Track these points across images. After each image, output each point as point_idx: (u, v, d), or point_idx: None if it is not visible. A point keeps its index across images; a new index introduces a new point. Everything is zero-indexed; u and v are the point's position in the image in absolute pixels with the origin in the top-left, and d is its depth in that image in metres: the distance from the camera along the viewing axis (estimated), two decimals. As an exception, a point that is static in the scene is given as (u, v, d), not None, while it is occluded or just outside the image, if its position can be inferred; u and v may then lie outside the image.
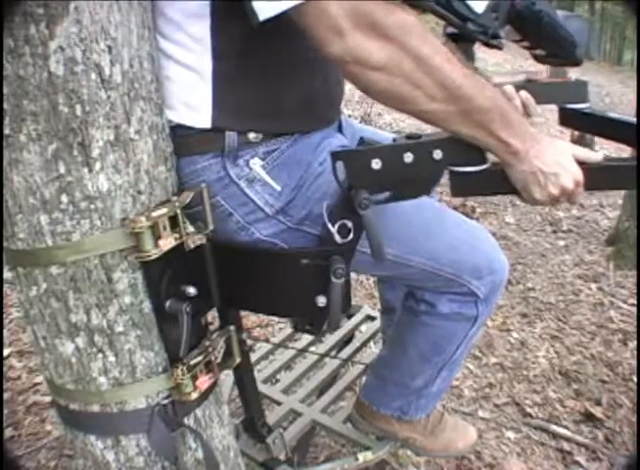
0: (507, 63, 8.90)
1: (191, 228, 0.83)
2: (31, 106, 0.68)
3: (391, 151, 0.82)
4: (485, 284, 1.05)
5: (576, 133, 3.88)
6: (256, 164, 0.87)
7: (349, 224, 0.85)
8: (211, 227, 0.87)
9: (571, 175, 0.82)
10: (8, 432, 1.69)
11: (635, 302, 2.52)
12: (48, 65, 0.67)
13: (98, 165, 0.73)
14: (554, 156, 0.81)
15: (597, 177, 0.85)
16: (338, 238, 0.85)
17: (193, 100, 0.84)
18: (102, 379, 0.81)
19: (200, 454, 0.91)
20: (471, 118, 0.77)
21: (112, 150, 0.73)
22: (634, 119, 0.89)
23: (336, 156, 0.82)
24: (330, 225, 0.85)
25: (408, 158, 0.81)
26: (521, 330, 2.35)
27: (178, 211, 0.80)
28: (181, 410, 0.86)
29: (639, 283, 2.65)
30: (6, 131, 0.70)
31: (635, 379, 2.02)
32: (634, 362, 2.11)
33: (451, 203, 3.41)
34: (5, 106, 0.69)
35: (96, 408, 0.83)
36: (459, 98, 0.75)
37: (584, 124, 1.01)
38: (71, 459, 1.55)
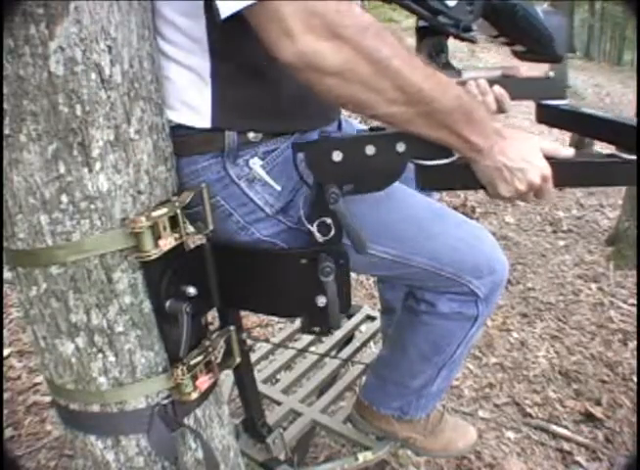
0: (505, 63, 8.91)
1: (191, 228, 0.83)
2: (31, 106, 0.68)
3: (353, 143, 0.82)
4: (486, 284, 1.05)
5: (575, 136, 3.87)
6: (256, 163, 0.87)
7: (328, 221, 0.84)
8: (211, 227, 0.87)
9: (538, 170, 0.80)
10: (8, 432, 1.69)
11: (635, 302, 2.52)
12: (48, 65, 0.67)
13: (98, 165, 0.73)
14: (520, 151, 0.80)
15: (568, 173, 0.83)
16: (319, 236, 0.85)
17: (192, 100, 0.84)
18: (102, 379, 0.81)
19: (200, 454, 0.91)
20: (432, 120, 0.75)
21: (112, 150, 0.73)
22: (611, 116, 0.87)
23: (297, 147, 0.82)
24: (309, 225, 0.85)
25: (370, 150, 0.80)
26: (521, 330, 2.35)
27: (178, 212, 0.80)
28: (181, 410, 0.86)
29: (639, 283, 2.65)
30: (6, 131, 0.70)
31: (635, 379, 2.02)
32: (634, 362, 2.11)
33: (451, 203, 3.42)
34: (5, 106, 0.69)
35: (96, 408, 0.83)
36: (419, 101, 0.73)
37: (561, 121, 0.99)
38: (71, 459, 1.55)
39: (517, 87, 0.97)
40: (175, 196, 0.83)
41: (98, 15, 0.68)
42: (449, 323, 1.10)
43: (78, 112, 0.70)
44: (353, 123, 1.16)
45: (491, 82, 0.94)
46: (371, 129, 0.84)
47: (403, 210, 0.98)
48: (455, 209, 3.08)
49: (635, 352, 2.17)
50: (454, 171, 0.85)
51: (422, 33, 0.94)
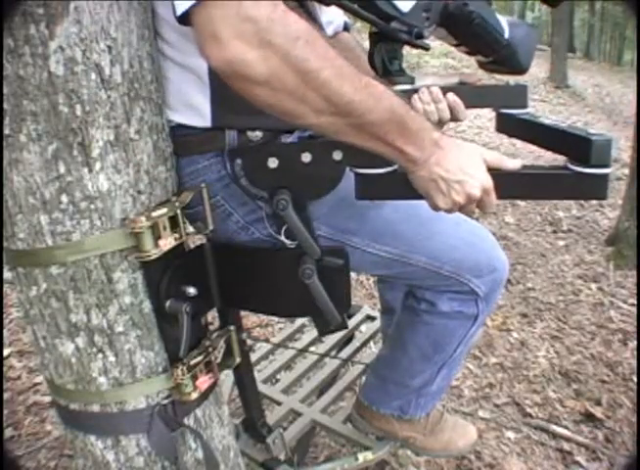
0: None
1: (191, 228, 0.83)
2: (31, 106, 0.68)
3: (289, 150, 0.81)
4: (486, 283, 1.06)
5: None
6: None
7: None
8: (211, 227, 0.87)
9: (477, 182, 0.78)
10: (8, 432, 1.69)
11: (635, 302, 2.53)
12: (48, 65, 0.67)
13: (98, 165, 0.73)
14: (459, 162, 0.77)
15: (514, 185, 0.81)
16: (287, 242, 0.85)
17: (192, 100, 0.84)
18: (102, 379, 0.81)
19: (200, 454, 0.91)
20: (364, 131, 0.73)
21: (112, 150, 0.73)
22: (566, 127, 0.83)
23: (233, 153, 0.81)
24: (274, 234, 0.86)
25: (306, 157, 0.80)
26: (521, 330, 2.35)
27: (178, 212, 0.80)
28: (181, 410, 0.86)
29: (639, 283, 2.65)
30: (6, 131, 0.70)
31: (635, 379, 2.02)
32: (634, 362, 2.11)
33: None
34: (5, 106, 0.69)
35: (96, 408, 0.83)
36: (349, 113, 0.71)
37: (519, 131, 0.95)
38: (71, 459, 1.55)
39: (474, 95, 0.93)
40: (175, 196, 0.83)
41: (98, 15, 0.68)
42: (449, 322, 1.10)
43: (78, 112, 0.70)
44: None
45: (445, 90, 0.91)
46: (310, 137, 0.83)
47: (404, 209, 0.98)
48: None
49: (635, 352, 2.17)
50: (394, 181, 0.82)
51: (375, 39, 0.91)
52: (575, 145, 0.79)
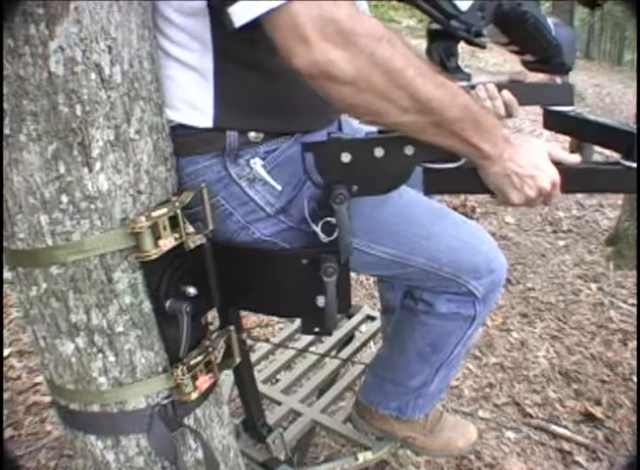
0: (507, 63, 8.91)
1: (191, 228, 0.83)
2: (31, 106, 0.68)
3: (362, 145, 0.82)
4: (484, 284, 1.06)
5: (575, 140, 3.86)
6: (257, 163, 0.87)
7: (333, 221, 0.84)
8: (211, 227, 0.87)
9: (547, 176, 0.81)
10: (8, 432, 1.69)
11: (635, 302, 2.52)
12: (48, 65, 0.67)
13: (98, 165, 0.73)
14: (529, 157, 0.80)
15: (573, 179, 0.84)
16: (322, 236, 0.85)
17: (195, 99, 0.84)
18: (102, 379, 0.81)
19: (200, 454, 0.91)
20: (443, 129, 0.76)
21: (112, 150, 0.73)
22: (616, 124, 0.87)
23: (306, 147, 0.82)
24: (313, 225, 0.85)
25: (379, 152, 0.81)
26: (521, 330, 2.35)
27: (178, 212, 0.80)
28: (181, 410, 0.87)
29: (639, 283, 2.65)
30: (6, 131, 0.70)
31: (635, 379, 2.02)
32: (634, 362, 2.10)
33: (451, 203, 3.41)
34: (5, 106, 0.69)
35: (96, 408, 0.83)
36: (431, 110, 0.73)
37: (567, 128, 0.99)
38: (71, 459, 1.55)
39: (524, 92, 0.97)
40: (175, 196, 0.83)
41: (98, 15, 0.68)
42: (447, 323, 1.10)
43: (78, 112, 0.70)
44: (353, 123, 1.16)
45: (500, 87, 0.95)
46: (380, 132, 0.84)
47: (403, 209, 0.98)
48: (455, 209, 3.08)
49: (635, 352, 2.17)
50: (461, 176, 0.85)
51: (433, 36, 0.95)
52: (628, 141, 0.83)
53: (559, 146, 0.88)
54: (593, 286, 2.71)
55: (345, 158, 0.81)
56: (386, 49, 0.68)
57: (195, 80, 0.83)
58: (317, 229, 0.85)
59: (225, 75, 0.83)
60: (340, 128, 1.06)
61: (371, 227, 0.96)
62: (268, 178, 0.88)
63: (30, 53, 0.66)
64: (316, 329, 0.93)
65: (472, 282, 1.04)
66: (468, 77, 0.96)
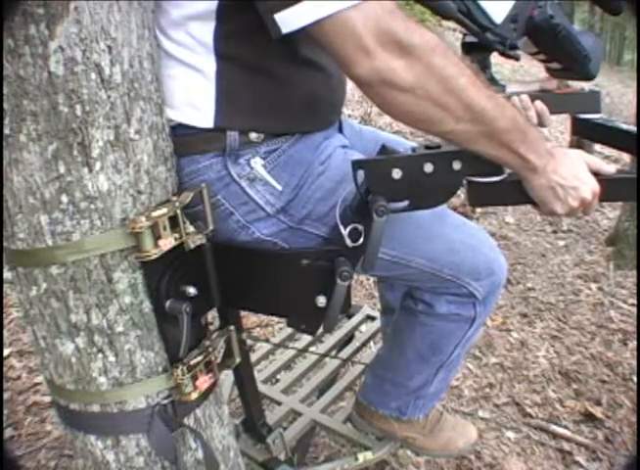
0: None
1: (191, 228, 0.83)
2: (31, 106, 0.68)
3: (412, 161, 0.83)
4: (484, 285, 1.06)
5: (574, 137, 3.87)
6: (257, 163, 0.87)
7: (360, 228, 0.84)
8: (211, 227, 0.87)
9: (588, 187, 0.83)
10: (8, 432, 1.69)
11: (635, 302, 2.52)
12: (48, 65, 0.67)
13: (98, 165, 0.73)
14: (571, 169, 0.83)
15: (610, 188, 0.87)
16: (348, 242, 0.85)
17: (196, 99, 0.84)
18: (102, 379, 0.81)
19: (200, 454, 0.91)
20: (493, 139, 0.77)
21: (112, 150, 0.73)
22: None
23: (357, 164, 0.83)
24: (342, 227, 0.85)
25: (428, 168, 0.82)
26: (521, 330, 2.35)
27: (178, 212, 0.80)
28: (181, 410, 0.86)
29: (639, 283, 2.65)
30: (6, 131, 0.70)
31: (635, 379, 2.02)
32: (634, 362, 2.11)
33: (451, 203, 3.41)
34: (5, 106, 0.69)
35: (96, 408, 0.83)
36: (483, 120, 0.75)
37: (596, 135, 1.02)
38: (71, 459, 1.55)
39: (555, 101, 0.99)
40: (175, 196, 0.83)
41: (98, 15, 0.68)
42: (447, 324, 1.10)
43: (78, 112, 0.70)
44: (353, 124, 1.16)
45: (533, 97, 0.97)
46: (426, 147, 0.86)
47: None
48: (455, 209, 3.08)
49: (635, 352, 2.17)
50: (505, 188, 0.87)
51: (467, 49, 0.97)
52: None
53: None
54: (593, 286, 2.71)
55: (397, 174, 0.82)
56: (441, 58, 0.71)
57: (196, 80, 0.83)
58: (345, 232, 0.85)
59: (227, 76, 0.83)
60: (340, 129, 1.06)
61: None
62: (269, 178, 0.88)
63: (30, 53, 0.66)
64: (303, 326, 0.94)
65: (472, 283, 1.04)
66: (503, 89, 0.98)
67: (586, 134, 1.05)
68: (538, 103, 0.96)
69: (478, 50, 0.95)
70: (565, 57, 0.98)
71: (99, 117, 0.71)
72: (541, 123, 0.97)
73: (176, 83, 0.84)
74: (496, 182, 0.86)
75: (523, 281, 2.74)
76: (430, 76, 0.71)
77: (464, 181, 0.86)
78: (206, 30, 0.79)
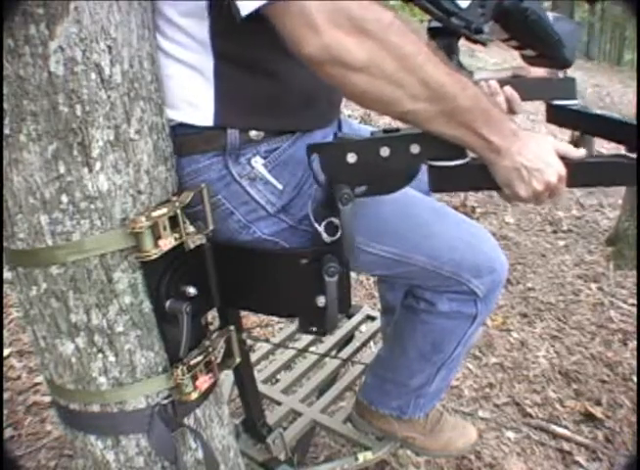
0: (506, 63, 8.91)
1: (191, 228, 0.83)
2: (31, 106, 0.68)
3: (367, 145, 0.82)
4: (485, 283, 1.06)
5: (576, 133, 3.86)
6: (258, 162, 0.87)
7: (336, 221, 0.84)
8: (211, 227, 0.87)
9: (554, 170, 0.81)
10: (8, 432, 1.69)
11: (635, 302, 2.52)
12: (48, 65, 0.67)
13: (98, 165, 0.73)
14: (536, 151, 0.80)
15: (579, 173, 0.84)
16: (325, 236, 0.85)
17: (195, 98, 0.84)
18: (102, 379, 0.81)
19: (200, 454, 0.91)
20: (453, 118, 0.75)
21: (112, 150, 0.73)
22: (622, 117, 0.87)
23: (311, 148, 0.82)
24: (316, 224, 0.85)
25: (384, 152, 0.80)
26: (521, 330, 2.35)
27: (178, 212, 0.80)
28: (181, 410, 0.86)
29: (639, 283, 2.65)
30: (6, 131, 0.70)
31: (635, 379, 2.02)
32: (634, 362, 2.10)
33: (451, 203, 3.41)
34: (5, 106, 0.69)
35: (96, 408, 0.83)
36: (442, 97, 0.73)
37: (572, 121, 0.99)
38: (71, 459, 1.55)
39: (527, 88, 0.97)
40: (175, 196, 0.83)
41: (98, 15, 0.68)
42: (448, 322, 1.10)
43: (78, 112, 0.70)
44: (352, 124, 1.16)
45: (502, 83, 0.95)
46: (385, 131, 0.84)
47: (404, 208, 0.98)
48: (455, 208, 3.07)
49: (635, 352, 2.17)
50: (467, 172, 0.84)
51: (433, 34, 0.94)
52: (630, 133, 0.83)
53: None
54: (593, 286, 2.71)
55: (352, 158, 0.80)
56: (396, 36, 0.68)
57: (194, 79, 0.83)
58: (320, 229, 0.84)
59: (225, 74, 0.83)
60: (339, 128, 1.06)
61: (372, 226, 0.96)
62: (269, 177, 0.88)
63: (30, 53, 0.66)
64: (313, 328, 0.93)
65: (473, 281, 1.04)
66: (470, 75, 0.96)
67: (561, 121, 1.02)
68: (507, 88, 0.94)
69: (443, 35, 0.93)
70: (536, 42, 0.95)
71: (99, 117, 0.71)
72: (511, 109, 0.95)
73: (175, 83, 0.83)
74: (458, 166, 0.83)
75: (523, 281, 2.74)
76: (384, 54, 0.68)
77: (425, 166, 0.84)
78: (202, 28, 0.79)
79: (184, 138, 0.86)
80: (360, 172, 0.82)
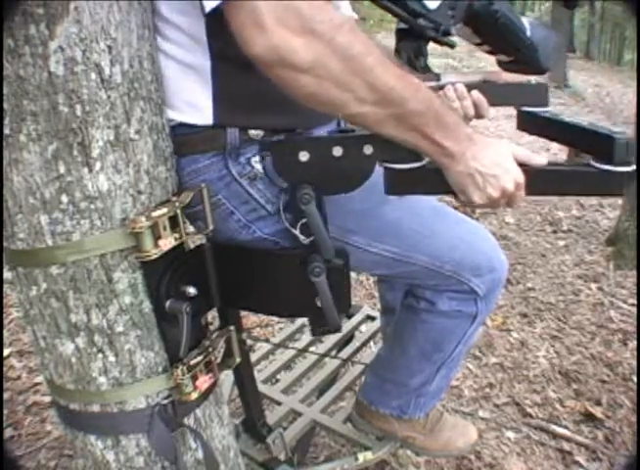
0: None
1: (191, 228, 0.83)
2: (31, 106, 0.68)
3: (320, 143, 0.81)
4: (485, 282, 1.06)
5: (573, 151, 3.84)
6: (258, 161, 0.87)
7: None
8: (211, 227, 0.87)
9: (511, 177, 0.78)
10: (8, 432, 1.69)
11: (635, 302, 2.52)
12: (48, 65, 0.67)
13: (98, 165, 0.73)
14: (493, 156, 0.78)
15: (540, 181, 0.81)
16: (302, 238, 0.84)
17: (194, 98, 0.84)
18: (102, 379, 0.81)
19: (200, 454, 0.91)
20: (403, 122, 0.73)
21: (112, 150, 0.73)
22: (589, 125, 0.84)
23: (263, 145, 0.81)
24: (290, 227, 0.85)
25: (337, 151, 0.79)
26: (521, 330, 2.35)
27: (178, 212, 0.80)
28: (181, 410, 0.86)
29: (639, 283, 2.65)
30: (6, 131, 0.70)
31: (635, 379, 2.02)
32: (634, 362, 2.10)
33: (451, 202, 3.41)
34: (5, 106, 0.69)
35: (96, 408, 0.83)
36: (391, 101, 0.71)
37: (541, 129, 0.96)
38: (71, 459, 1.55)
39: (497, 93, 0.95)
40: (175, 196, 0.83)
41: (98, 15, 0.68)
42: (449, 321, 1.10)
43: (78, 112, 0.70)
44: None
45: (470, 87, 0.93)
46: (340, 131, 0.83)
47: (404, 208, 0.98)
48: (455, 208, 3.08)
49: (635, 352, 2.17)
50: (423, 176, 0.82)
51: (401, 35, 0.92)
52: (599, 143, 0.80)
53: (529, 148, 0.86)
54: (593, 286, 2.71)
55: (304, 157, 0.79)
56: (345, 36, 0.67)
57: (193, 79, 0.83)
58: (296, 232, 0.84)
59: (222, 73, 0.83)
60: (339, 126, 1.06)
61: (372, 226, 0.96)
62: (269, 176, 0.88)
63: (30, 53, 0.66)
64: (325, 329, 0.93)
65: (473, 280, 1.04)
66: (437, 77, 0.94)
67: (531, 128, 0.98)
68: (475, 93, 0.92)
69: (411, 37, 0.91)
70: (507, 46, 0.94)
71: (99, 117, 0.71)
72: (478, 114, 0.93)
73: (173, 82, 0.83)
74: (414, 169, 0.81)
75: (523, 281, 2.74)
76: (331, 55, 0.66)
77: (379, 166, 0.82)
78: (199, 27, 0.79)
79: (184, 138, 0.86)
80: (312, 171, 0.80)
